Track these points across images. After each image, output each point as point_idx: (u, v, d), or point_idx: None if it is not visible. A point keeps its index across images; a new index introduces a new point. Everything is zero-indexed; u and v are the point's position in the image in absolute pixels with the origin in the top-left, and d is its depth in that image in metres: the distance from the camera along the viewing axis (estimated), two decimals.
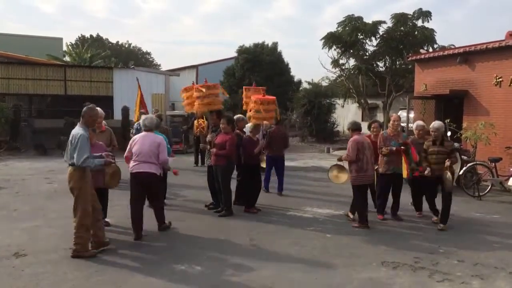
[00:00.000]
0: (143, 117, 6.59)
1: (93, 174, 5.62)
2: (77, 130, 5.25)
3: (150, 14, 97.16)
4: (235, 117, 8.47)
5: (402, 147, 7.05)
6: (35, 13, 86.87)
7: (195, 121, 8.81)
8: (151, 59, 54.64)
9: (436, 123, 6.98)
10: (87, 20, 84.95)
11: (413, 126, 7.76)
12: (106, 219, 6.56)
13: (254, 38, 51.88)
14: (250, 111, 8.04)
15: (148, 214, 6.41)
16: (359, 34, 20.21)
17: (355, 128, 7.00)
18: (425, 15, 19.57)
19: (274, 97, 8.25)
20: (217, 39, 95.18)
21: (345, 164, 7.18)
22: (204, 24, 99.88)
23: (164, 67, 50.86)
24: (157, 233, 6.23)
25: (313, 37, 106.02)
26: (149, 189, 6.15)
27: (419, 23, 19.74)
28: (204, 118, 8.62)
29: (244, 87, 9.30)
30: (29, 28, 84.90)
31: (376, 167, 7.22)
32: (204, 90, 7.55)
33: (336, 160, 7.49)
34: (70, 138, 5.28)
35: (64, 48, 33.07)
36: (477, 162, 9.82)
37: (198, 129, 8.64)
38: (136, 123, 9.79)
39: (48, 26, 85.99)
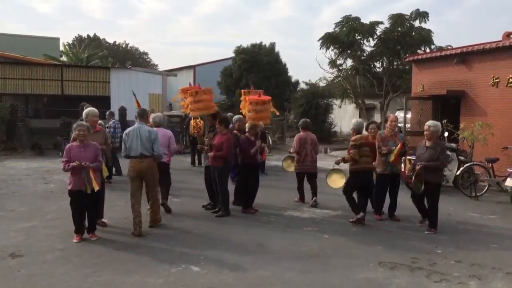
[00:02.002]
0: (152, 115, 7.77)
1: (89, 175, 5.72)
2: (147, 127, 6.23)
3: (148, 14, 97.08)
4: (234, 117, 8.44)
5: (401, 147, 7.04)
6: (32, 14, 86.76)
7: (191, 121, 8.75)
8: (148, 59, 54.52)
9: (355, 120, 7.31)
10: (85, 21, 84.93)
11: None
12: (103, 220, 6.57)
13: (253, 39, 51.92)
14: (248, 111, 7.99)
15: (147, 215, 6.44)
16: (357, 35, 20.24)
17: (304, 126, 8.24)
18: (422, 15, 19.63)
19: (270, 97, 8.23)
20: (216, 40, 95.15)
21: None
22: (202, 24, 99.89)
23: (161, 68, 50.88)
24: (155, 234, 6.22)
25: (311, 38, 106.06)
26: (160, 171, 6.95)
27: (417, 23, 19.82)
28: (200, 118, 8.59)
29: (242, 90, 9.15)
30: (27, 28, 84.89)
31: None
32: (193, 96, 7.54)
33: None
34: (145, 134, 6.06)
35: (61, 48, 32.97)
36: (474, 163, 9.85)
37: (195, 130, 8.60)
38: (112, 121, 10.74)
39: (47, 26, 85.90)
